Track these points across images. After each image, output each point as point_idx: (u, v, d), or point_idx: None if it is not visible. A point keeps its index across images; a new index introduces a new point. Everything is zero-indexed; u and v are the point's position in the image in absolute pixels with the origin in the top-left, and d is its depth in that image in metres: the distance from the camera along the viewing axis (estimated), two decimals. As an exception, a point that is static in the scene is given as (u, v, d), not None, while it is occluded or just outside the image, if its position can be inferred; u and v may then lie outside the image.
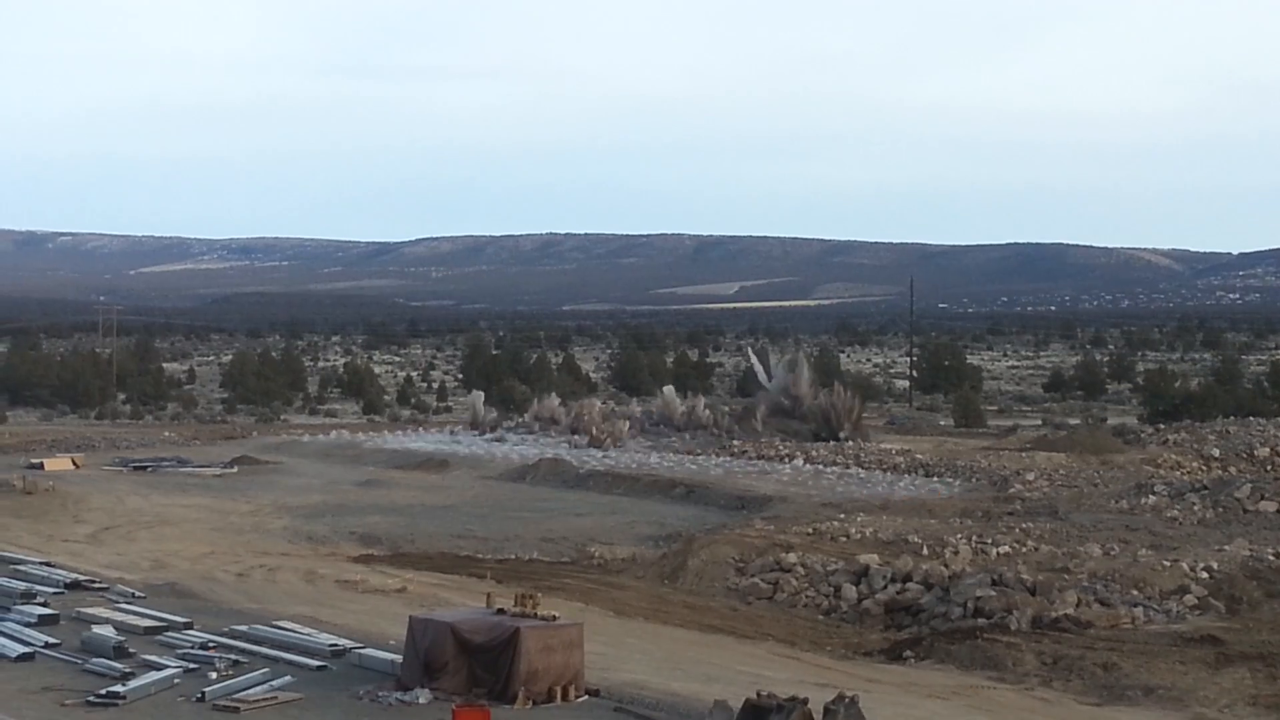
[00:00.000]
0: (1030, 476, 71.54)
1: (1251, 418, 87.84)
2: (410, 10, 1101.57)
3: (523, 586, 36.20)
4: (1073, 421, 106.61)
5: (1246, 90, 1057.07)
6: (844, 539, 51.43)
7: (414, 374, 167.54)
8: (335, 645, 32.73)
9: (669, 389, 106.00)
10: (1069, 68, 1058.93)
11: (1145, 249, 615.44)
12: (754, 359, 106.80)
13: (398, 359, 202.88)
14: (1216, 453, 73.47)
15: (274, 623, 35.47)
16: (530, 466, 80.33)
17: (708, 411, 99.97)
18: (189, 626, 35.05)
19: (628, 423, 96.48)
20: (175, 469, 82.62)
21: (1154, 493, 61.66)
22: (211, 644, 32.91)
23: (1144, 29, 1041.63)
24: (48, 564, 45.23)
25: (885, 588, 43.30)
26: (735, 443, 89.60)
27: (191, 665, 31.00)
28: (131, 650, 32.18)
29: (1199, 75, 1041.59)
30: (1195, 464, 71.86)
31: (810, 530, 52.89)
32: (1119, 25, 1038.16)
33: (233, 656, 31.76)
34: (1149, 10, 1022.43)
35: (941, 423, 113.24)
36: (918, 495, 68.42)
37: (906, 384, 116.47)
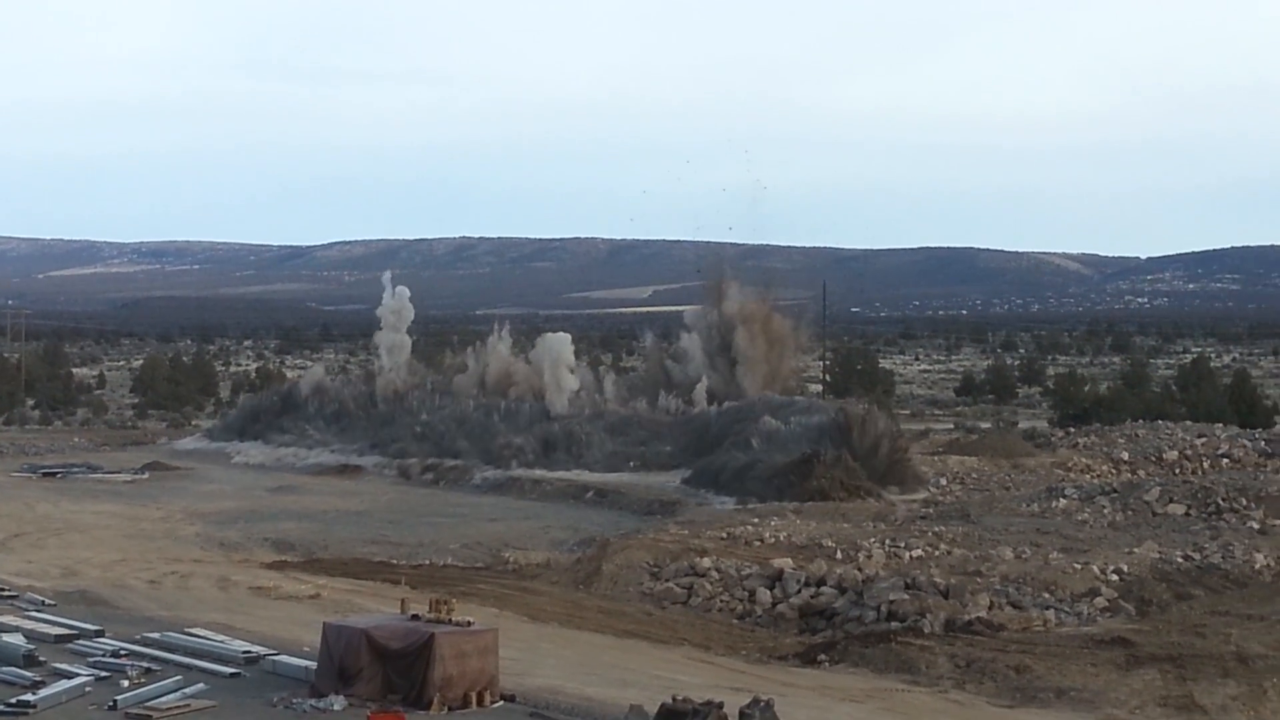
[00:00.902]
0: (942, 480, 72.03)
1: (1160, 421, 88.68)
2: (324, 12, 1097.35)
3: (437, 592, 36.06)
4: (984, 425, 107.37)
5: (1155, 95, 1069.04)
6: (758, 543, 51.58)
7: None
8: (248, 652, 32.58)
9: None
10: (978, 72, 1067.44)
11: (1055, 253, 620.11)
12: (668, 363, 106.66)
13: (310, 363, 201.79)
14: (1126, 456, 74.21)
15: (187, 630, 35.28)
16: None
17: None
18: (100, 634, 34.79)
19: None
20: (85, 475, 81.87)
21: (1064, 496, 62.15)
22: (123, 652, 32.69)
23: (1052, 33, 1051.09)
24: (-44, 572, 44.77)
25: (799, 592, 43.47)
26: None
27: (103, 674, 30.81)
28: (42, 659, 31.93)
29: (1108, 80, 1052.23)
30: (1105, 467, 72.58)
31: (724, 534, 53.00)
32: (1028, 29, 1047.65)
33: (145, 664, 31.57)
34: (1058, 15, 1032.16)
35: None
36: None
37: (819, 388, 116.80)
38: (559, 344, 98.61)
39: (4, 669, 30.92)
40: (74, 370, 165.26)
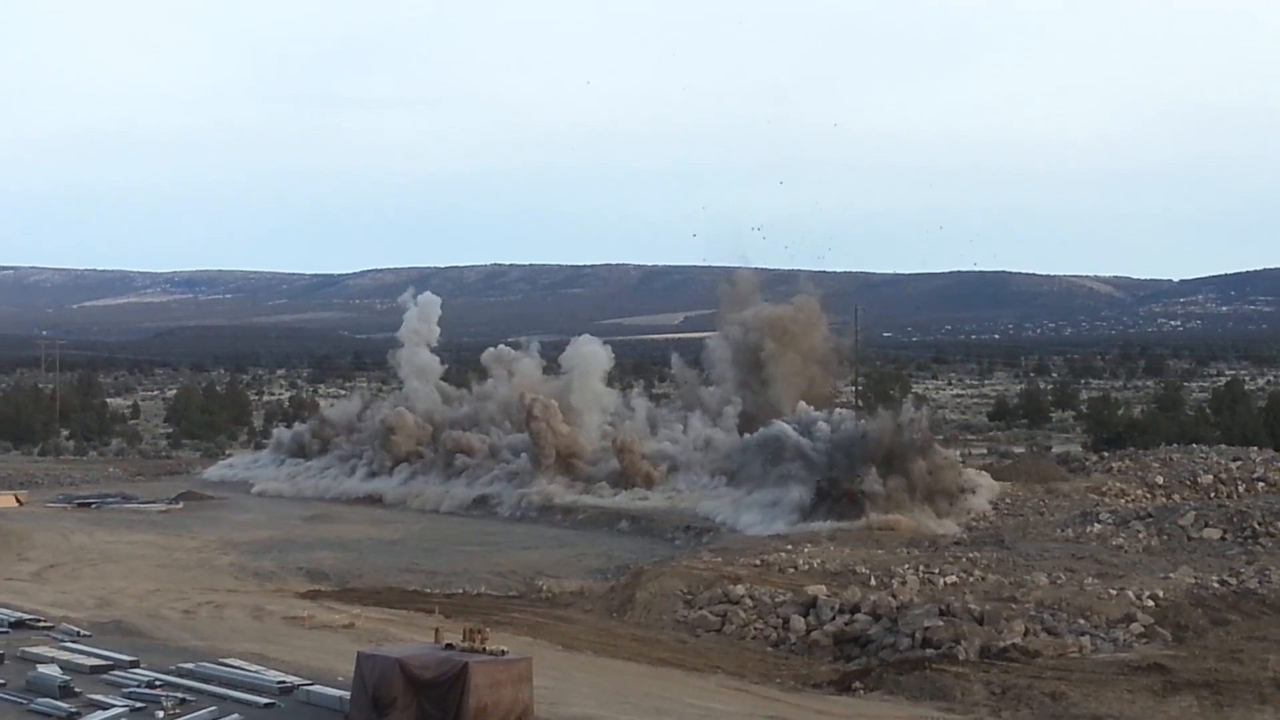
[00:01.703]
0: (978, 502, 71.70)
1: (1194, 445, 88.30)
2: (353, 40, 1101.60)
3: (471, 621, 36.07)
4: (1018, 450, 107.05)
5: (1187, 117, 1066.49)
6: (791, 570, 51.47)
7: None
8: (283, 682, 32.56)
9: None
10: (1010, 94, 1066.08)
11: (1087, 276, 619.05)
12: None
13: (343, 392, 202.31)
14: (1160, 480, 73.86)
15: (221, 660, 35.28)
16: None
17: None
18: (135, 665, 34.80)
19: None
20: (120, 505, 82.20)
21: (1099, 521, 61.92)
22: (158, 682, 32.69)
23: (1084, 55, 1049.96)
24: (-9, 603, 44.87)
25: (833, 619, 43.37)
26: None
27: (138, 704, 30.80)
28: (77, 690, 31.94)
29: (1139, 102, 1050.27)
30: (1139, 491, 72.22)
31: (758, 561, 52.91)
32: (1059, 51, 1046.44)
33: (180, 695, 31.55)
34: (1090, 37, 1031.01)
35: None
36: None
37: (852, 413, 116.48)
38: (593, 356, 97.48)
39: (40, 700, 30.96)
40: (108, 400, 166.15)
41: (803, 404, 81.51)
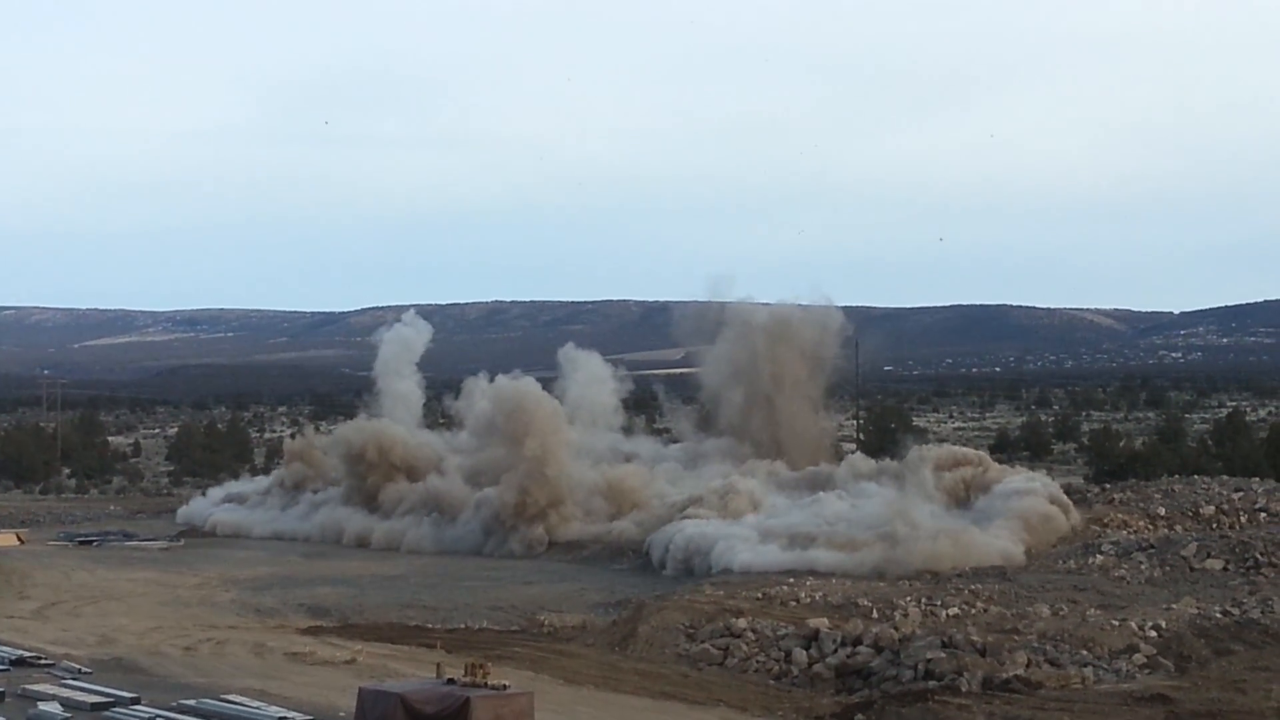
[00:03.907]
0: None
1: (1196, 476, 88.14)
2: (353, 80, 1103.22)
3: (473, 656, 36.03)
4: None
5: (1185, 151, 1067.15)
6: (793, 603, 51.42)
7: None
8: (284, 718, 32.57)
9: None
10: (1010, 129, 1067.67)
11: (1088, 309, 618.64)
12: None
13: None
14: (1162, 511, 73.78)
15: (222, 696, 35.28)
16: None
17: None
18: (136, 702, 34.81)
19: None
20: (121, 543, 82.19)
21: (1101, 552, 61.91)
22: (160, 719, 32.68)
23: (1083, 91, 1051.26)
24: (-8, 641, 44.87)
25: (835, 651, 43.31)
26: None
27: (139, 741, 30.82)
28: (79, 727, 31.96)
29: (1139, 135, 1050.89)
30: (1141, 523, 72.12)
31: (760, 595, 52.85)
32: (1059, 88, 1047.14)
33: (181, 731, 31.58)
34: (1088, 73, 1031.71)
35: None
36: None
37: (853, 447, 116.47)
38: (589, 359, 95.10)
39: (41, 737, 30.98)
40: (109, 439, 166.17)
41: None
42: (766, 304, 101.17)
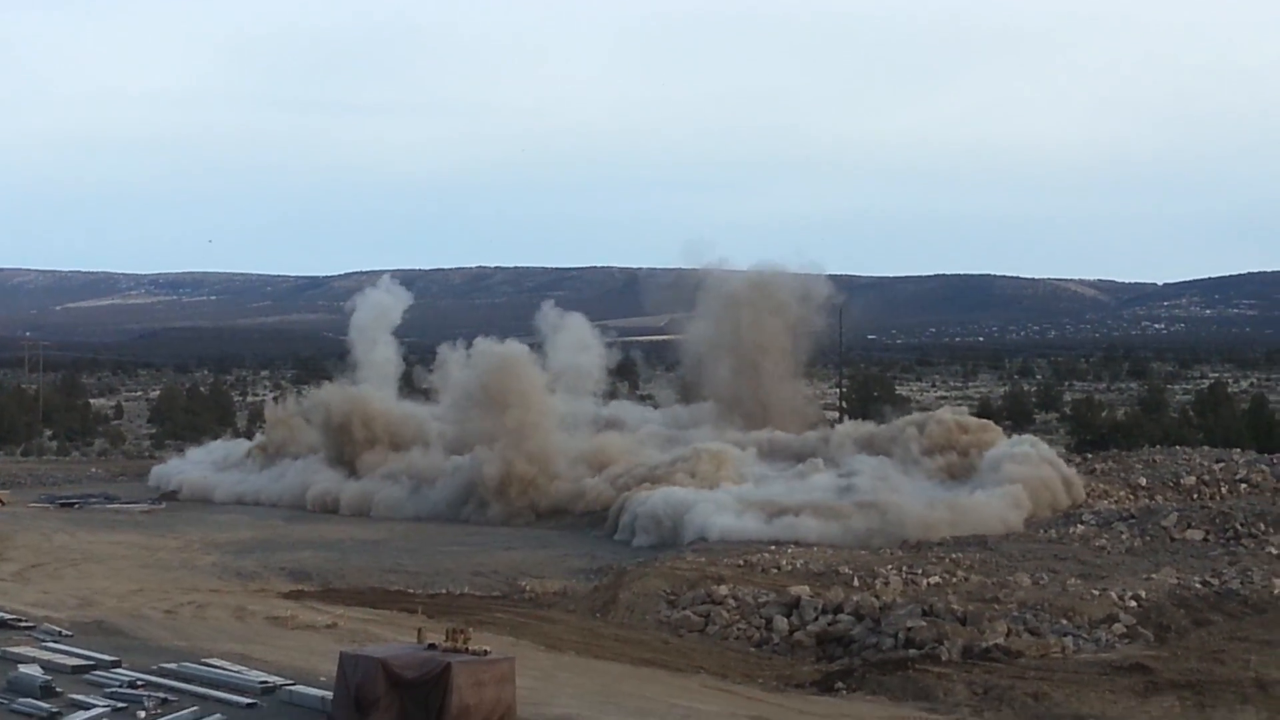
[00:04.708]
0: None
1: (1177, 446, 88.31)
2: (338, 45, 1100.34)
3: (454, 621, 36.04)
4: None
5: (1170, 122, 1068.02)
6: (775, 571, 51.46)
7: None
8: (265, 682, 32.51)
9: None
10: (994, 99, 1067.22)
11: (1071, 280, 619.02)
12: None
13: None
14: (1143, 482, 73.96)
15: (203, 660, 35.22)
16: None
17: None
18: (117, 665, 34.73)
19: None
20: (103, 505, 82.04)
21: (1082, 522, 62.04)
22: (140, 682, 32.63)
23: (1068, 61, 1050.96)
24: (-27, 603, 44.78)
25: (816, 619, 43.38)
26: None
27: (120, 704, 30.74)
28: (59, 690, 31.88)
29: (1123, 107, 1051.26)
30: (1122, 493, 72.29)
31: (741, 562, 52.88)
32: (1044, 58, 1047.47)
33: (161, 695, 31.50)
34: (1074, 42, 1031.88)
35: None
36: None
37: (837, 415, 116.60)
38: (574, 322, 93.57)
39: (21, 700, 30.89)
40: (91, 401, 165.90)
41: None
42: (745, 271, 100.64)
